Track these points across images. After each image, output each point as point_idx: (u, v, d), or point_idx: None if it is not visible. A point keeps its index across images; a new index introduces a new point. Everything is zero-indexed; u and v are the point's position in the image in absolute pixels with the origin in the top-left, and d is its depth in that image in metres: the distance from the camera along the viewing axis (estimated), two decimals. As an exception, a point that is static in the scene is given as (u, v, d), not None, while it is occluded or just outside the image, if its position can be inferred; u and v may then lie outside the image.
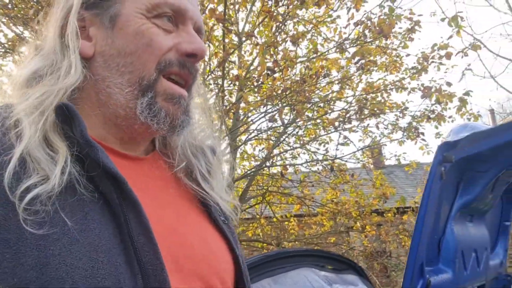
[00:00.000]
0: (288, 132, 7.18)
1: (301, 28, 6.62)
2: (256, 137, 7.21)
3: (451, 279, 2.36)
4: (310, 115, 6.94)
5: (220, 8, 5.22)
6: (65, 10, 0.80)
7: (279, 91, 5.60)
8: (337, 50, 6.19)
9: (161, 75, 0.79)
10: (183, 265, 0.73)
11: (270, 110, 6.26)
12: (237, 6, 6.35)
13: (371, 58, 6.08)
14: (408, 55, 6.76)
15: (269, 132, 7.04)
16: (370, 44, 6.15)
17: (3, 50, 4.74)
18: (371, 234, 7.84)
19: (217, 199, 0.89)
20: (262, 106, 6.27)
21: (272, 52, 5.49)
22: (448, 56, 5.84)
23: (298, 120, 6.38)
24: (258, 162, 7.51)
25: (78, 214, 0.65)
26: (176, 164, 0.88)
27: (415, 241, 2.00)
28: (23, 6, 4.56)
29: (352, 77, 6.90)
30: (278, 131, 7.02)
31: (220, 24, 5.01)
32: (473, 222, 2.76)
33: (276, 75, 5.68)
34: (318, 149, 7.66)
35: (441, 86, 6.10)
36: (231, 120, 6.88)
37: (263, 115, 6.37)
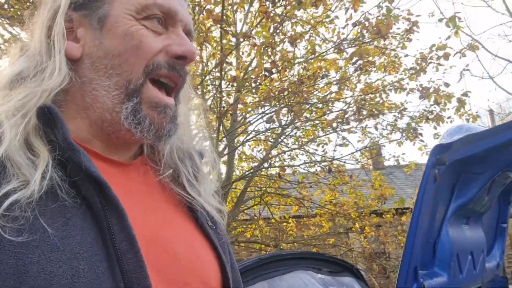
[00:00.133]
0: (286, 133, 7.17)
1: (299, 28, 6.61)
2: (254, 138, 7.20)
3: (446, 282, 2.34)
4: (308, 116, 6.92)
5: (218, 9, 5.22)
6: (52, 11, 0.79)
7: (277, 92, 5.58)
8: (335, 50, 6.18)
9: (148, 79, 0.77)
10: (167, 272, 0.72)
11: (268, 111, 6.25)
12: (235, 7, 6.34)
13: (369, 58, 6.07)
14: (406, 55, 6.75)
15: (267, 133, 7.03)
16: (368, 44, 6.14)
17: (-1, 51, 4.72)
18: (370, 235, 7.82)
19: (204, 204, 0.87)
20: (259, 107, 6.26)
21: (270, 53, 5.48)
22: (446, 56, 5.83)
23: (296, 121, 6.37)
24: (256, 163, 7.50)
25: (59, 220, 0.63)
26: (162, 170, 0.86)
27: (409, 244, 1.99)
28: (19, 7, 4.55)
29: (351, 78, 6.89)
30: (276, 132, 7.00)
31: (218, 25, 4.99)
32: (469, 225, 2.75)
33: (274, 76, 5.68)
34: (316, 150, 7.65)
35: (439, 86, 6.09)
36: (229, 122, 6.87)
37: (260, 116, 6.35)
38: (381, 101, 6.95)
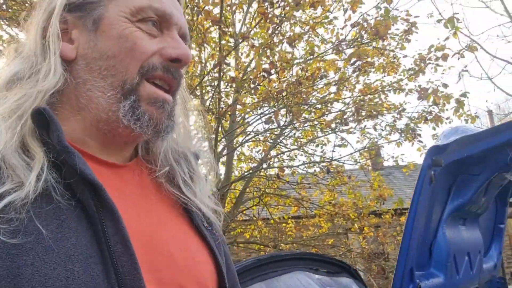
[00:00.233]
0: (285, 134, 7.17)
1: (298, 29, 6.62)
2: (253, 139, 7.20)
3: (443, 283, 2.35)
4: (307, 116, 6.93)
5: (217, 10, 5.22)
6: (47, 12, 0.79)
7: (275, 93, 5.58)
8: (334, 51, 6.18)
9: (144, 79, 0.77)
10: (162, 274, 0.72)
11: (266, 112, 6.26)
12: (233, 8, 6.34)
13: (368, 59, 6.07)
14: (405, 56, 6.75)
15: (266, 134, 7.03)
16: (366, 45, 6.14)
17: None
18: (369, 236, 7.82)
19: (200, 205, 0.87)
20: (258, 108, 6.26)
21: (268, 54, 5.48)
22: (445, 57, 5.83)
23: (295, 122, 6.37)
24: (255, 164, 7.49)
25: (53, 222, 0.63)
26: (158, 171, 0.86)
27: (405, 245, 1.99)
28: (17, 8, 4.55)
29: (350, 79, 6.89)
30: (275, 132, 7.00)
31: (216, 26, 5.00)
32: (466, 225, 2.75)
33: (273, 76, 5.68)
34: (315, 150, 7.65)
35: (438, 87, 6.09)
36: (228, 122, 6.87)
37: (259, 117, 6.36)
38: (380, 102, 6.95)
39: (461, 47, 6.15)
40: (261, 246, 7.40)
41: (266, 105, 6.09)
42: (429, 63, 6.18)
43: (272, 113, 5.90)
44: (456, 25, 5.46)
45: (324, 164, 7.25)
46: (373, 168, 9.14)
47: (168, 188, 0.86)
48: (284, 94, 5.69)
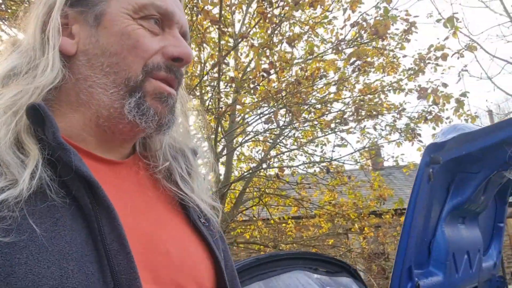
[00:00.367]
0: (285, 134, 7.17)
1: (297, 29, 6.62)
2: (252, 139, 7.20)
3: (442, 281, 2.34)
4: (307, 116, 6.92)
5: (216, 10, 5.22)
6: (48, 6, 0.78)
7: (275, 93, 5.58)
8: (334, 51, 6.18)
9: (149, 77, 0.77)
10: (159, 273, 0.71)
11: (266, 112, 6.25)
12: (233, 8, 6.34)
13: (368, 59, 6.07)
14: (405, 56, 6.76)
15: (266, 134, 7.03)
16: (366, 45, 6.14)
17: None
18: (370, 236, 7.82)
19: (197, 201, 0.86)
20: (258, 108, 6.26)
21: (268, 54, 5.48)
22: (444, 57, 5.83)
23: (295, 121, 6.37)
24: (255, 164, 7.49)
25: (48, 220, 0.62)
26: (155, 167, 0.86)
27: (403, 244, 1.98)
28: (15, 8, 4.55)
29: (349, 79, 6.89)
30: (274, 132, 7.00)
31: (215, 26, 5.00)
32: (465, 224, 2.74)
33: (272, 76, 5.68)
34: (315, 150, 7.65)
35: (437, 87, 6.09)
36: (227, 122, 6.87)
37: (259, 117, 6.36)
38: (379, 102, 6.95)
39: (461, 46, 6.16)
40: (261, 247, 7.39)
41: (265, 105, 6.09)
42: (429, 62, 6.19)
43: (272, 113, 5.89)
44: (456, 25, 5.46)
45: (324, 164, 7.24)
46: (373, 168, 9.13)
47: (165, 184, 0.85)
48: (283, 94, 5.69)
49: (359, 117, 6.39)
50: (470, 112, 6.74)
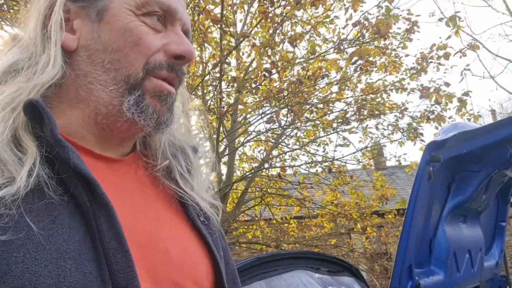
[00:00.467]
0: (287, 134, 7.16)
1: (299, 29, 6.61)
2: (254, 139, 7.19)
3: (442, 280, 2.33)
4: (309, 116, 6.92)
5: (218, 9, 5.22)
6: (49, 1, 0.77)
7: (276, 93, 5.58)
8: (335, 50, 6.18)
9: (149, 75, 0.76)
10: (158, 272, 0.70)
11: (268, 112, 6.25)
12: (235, 7, 6.34)
13: (369, 58, 6.06)
14: (407, 55, 6.75)
15: (267, 134, 7.02)
16: (368, 44, 6.13)
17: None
18: (372, 236, 7.80)
19: (197, 199, 0.85)
20: (259, 108, 6.26)
21: (269, 53, 5.47)
22: (447, 56, 5.82)
23: (297, 121, 6.37)
24: (257, 164, 7.49)
25: (45, 218, 0.62)
26: (155, 165, 0.85)
27: (403, 242, 1.97)
28: (18, 9, 4.56)
29: (352, 78, 6.88)
30: (276, 132, 7.00)
31: (216, 25, 5.00)
32: (466, 223, 2.73)
33: (274, 76, 5.67)
34: (317, 150, 7.64)
35: (440, 86, 6.08)
36: (229, 122, 6.88)
37: (261, 116, 6.36)
38: (382, 101, 6.94)
39: (463, 46, 6.14)
40: (263, 246, 7.38)
41: (267, 104, 6.09)
42: (431, 62, 6.17)
43: (274, 113, 5.89)
44: (458, 24, 5.44)
45: (326, 164, 7.23)
46: (376, 167, 9.11)
47: (165, 182, 0.85)
48: (285, 93, 5.68)
49: (361, 117, 6.38)
50: (472, 112, 6.73)
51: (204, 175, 0.94)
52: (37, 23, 0.76)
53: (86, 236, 0.63)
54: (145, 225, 0.73)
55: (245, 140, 7.10)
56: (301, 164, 7.56)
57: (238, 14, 6.88)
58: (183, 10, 0.82)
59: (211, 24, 5.26)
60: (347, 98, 7.04)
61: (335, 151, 7.04)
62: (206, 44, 5.63)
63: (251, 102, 6.52)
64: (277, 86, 5.84)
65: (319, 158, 7.53)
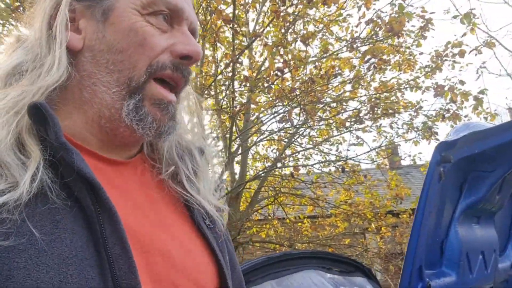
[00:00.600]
0: (300, 133, 7.13)
1: (311, 27, 6.59)
2: (267, 138, 7.19)
3: (455, 282, 2.29)
4: (322, 115, 6.88)
5: (230, 9, 5.23)
6: (54, 0, 0.76)
7: (288, 92, 5.57)
8: (348, 49, 6.14)
9: (151, 78, 0.75)
10: (161, 277, 0.70)
11: (280, 111, 6.25)
12: (247, 7, 6.34)
13: (383, 57, 6.00)
14: (421, 53, 6.67)
15: (280, 133, 7.01)
16: (381, 42, 6.08)
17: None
18: (387, 236, 7.73)
19: (203, 203, 0.84)
20: (272, 107, 6.25)
21: (282, 53, 5.46)
22: (462, 54, 5.73)
23: (310, 120, 6.34)
24: (270, 163, 7.49)
25: (48, 223, 0.61)
26: (161, 168, 0.84)
27: (413, 243, 1.95)
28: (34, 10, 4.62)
29: (365, 77, 6.82)
30: (289, 131, 6.98)
31: (228, 25, 5.01)
32: (480, 224, 2.68)
33: (287, 75, 5.66)
34: (331, 149, 7.60)
35: (455, 84, 5.99)
36: (242, 122, 6.88)
37: (273, 116, 6.35)
38: (396, 100, 6.87)
39: (479, 43, 6.04)
40: (277, 246, 7.37)
41: (280, 104, 6.08)
42: (446, 60, 6.09)
43: (286, 112, 5.88)
44: (473, 21, 5.35)
45: (339, 163, 7.19)
46: (390, 167, 9.03)
47: (170, 185, 0.84)
48: (298, 92, 5.67)
49: (375, 116, 6.32)
50: (489, 110, 6.61)
51: (211, 177, 0.92)
52: (42, 23, 0.76)
53: (89, 241, 0.63)
54: (149, 229, 0.73)
55: (258, 139, 7.10)
56: (314, 163, 7.52)
57: (250, 13, 6.88)
58: (190, 9, 0.81)
59: (223, 24, 5.27)
60: (360, 96, 6.98)
61: (348, 150, 7.01)
62: (218, 44, 5.64)
63: (263, 102, 6.51)
64: (290, 85, 5.83)
65: (333, 157, 7.49)
